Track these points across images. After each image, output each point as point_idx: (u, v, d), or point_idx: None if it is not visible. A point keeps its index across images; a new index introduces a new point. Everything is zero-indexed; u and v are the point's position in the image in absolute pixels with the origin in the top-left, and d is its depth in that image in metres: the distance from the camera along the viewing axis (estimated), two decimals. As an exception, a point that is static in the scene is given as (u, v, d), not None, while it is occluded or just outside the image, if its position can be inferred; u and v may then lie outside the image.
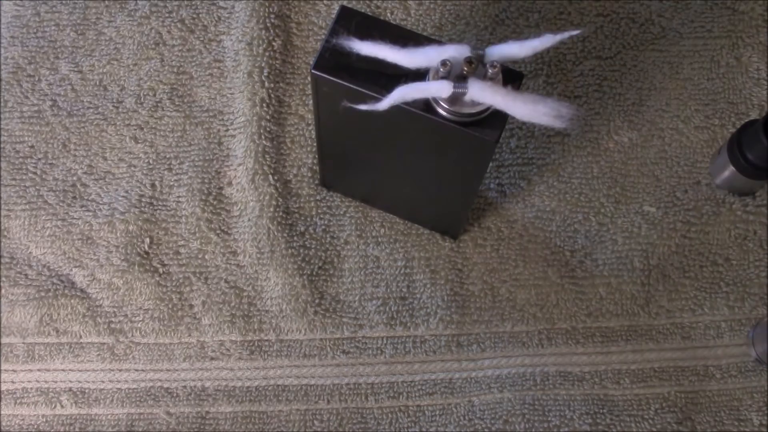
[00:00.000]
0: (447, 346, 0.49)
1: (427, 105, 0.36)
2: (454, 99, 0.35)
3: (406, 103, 0.35)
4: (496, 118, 0.36)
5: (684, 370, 0.48)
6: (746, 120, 0.50)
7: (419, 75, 0.35)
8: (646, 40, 0.54)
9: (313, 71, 0.37)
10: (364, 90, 0.36)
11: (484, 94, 0.34)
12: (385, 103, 0.35)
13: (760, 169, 0.48)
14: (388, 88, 0.35)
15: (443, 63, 0.34)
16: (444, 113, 0.36)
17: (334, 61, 0.37)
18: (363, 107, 0.35)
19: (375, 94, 0.36)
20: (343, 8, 0.37)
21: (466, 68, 0.34)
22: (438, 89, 0.34)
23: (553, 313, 0.49)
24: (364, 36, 0.36)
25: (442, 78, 0.34)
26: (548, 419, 0.47)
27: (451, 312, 0.49)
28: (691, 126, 0.52)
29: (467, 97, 0.34)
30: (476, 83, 0.34)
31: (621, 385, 0.48)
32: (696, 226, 0.50)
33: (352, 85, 0.36)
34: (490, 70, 0.34)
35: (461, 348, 0.49)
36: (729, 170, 0.49)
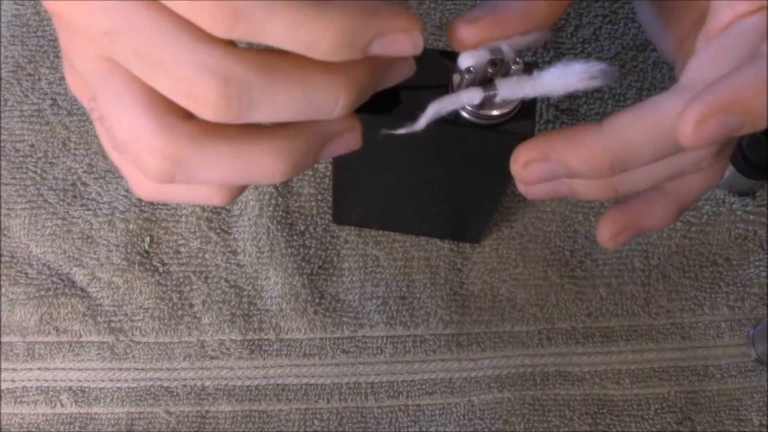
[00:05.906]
0: (447, 345, 0.49)
1: (452, 116, 0.34)
2: (483, 103, 0.34)
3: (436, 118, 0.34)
4: (523, 111, 0.34)
5: (684, 370, 0.48)
6: (746, 120, 0.50)
7: (440, 87, 0.34)
8: (646, 40, 0.54)
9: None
10: (400, 117, 0.34)
11: (514, 91, 0.33)
12: (422, 122, 0.33)
13: (760, 169, 0.48)
14: (415, 109, 0.33)
15: (467, 70, 0.33)
16: (471, 119, 0.34)
17: None
18: (402, 131, 0.33)
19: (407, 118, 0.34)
20: None
21: (491, 71, 0.33)
22: (469, 97, 0.33)
23: (553, 313, 0.49)
24: None
25: (468, 85, 0.33)
26: (548, 419, 0.47)
27: (450, 312, 0.49)
28: (692, 126, 0.52)
29: (498, 99, 0.33)
30: (504, 83, 0.33)
31: (621, 385, 0.48)
32: (696, 226, 0.50)
33: (385, 116, 0.35)
34: (513, 67, 0.33)
35: (461, 348, 0.49)
36: (729, 170, 0.49)
